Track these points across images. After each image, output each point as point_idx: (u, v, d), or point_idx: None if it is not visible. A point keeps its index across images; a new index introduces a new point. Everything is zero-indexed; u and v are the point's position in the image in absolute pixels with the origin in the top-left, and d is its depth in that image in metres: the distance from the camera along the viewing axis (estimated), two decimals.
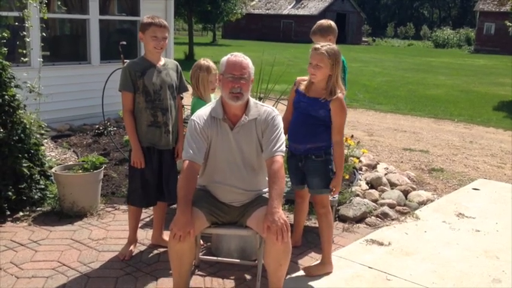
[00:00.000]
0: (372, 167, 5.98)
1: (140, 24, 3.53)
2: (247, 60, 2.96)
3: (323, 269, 3.49)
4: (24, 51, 5.08)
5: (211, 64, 3.84)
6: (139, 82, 3.47)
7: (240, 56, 2.97)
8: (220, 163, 3.03)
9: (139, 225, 4.12)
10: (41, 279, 3.27)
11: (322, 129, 3.40)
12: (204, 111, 3.05)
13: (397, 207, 4.78)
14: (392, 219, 4.55)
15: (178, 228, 2.72)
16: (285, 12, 50.71)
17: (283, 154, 2.98)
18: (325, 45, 3.34)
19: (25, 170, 4.27)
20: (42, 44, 5.82)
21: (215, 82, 3.83)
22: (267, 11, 51.68)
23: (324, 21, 4.36)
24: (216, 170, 3.05)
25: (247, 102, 3.02)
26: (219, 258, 3.59)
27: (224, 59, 2.98)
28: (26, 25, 4.97)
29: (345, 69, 4.41)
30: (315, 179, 3.45)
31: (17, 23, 5.08)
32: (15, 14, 5.10)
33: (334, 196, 4.00)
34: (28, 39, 5.18)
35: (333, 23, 4.35)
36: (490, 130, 9.66)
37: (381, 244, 4.03)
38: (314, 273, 3.46)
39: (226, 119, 3.00)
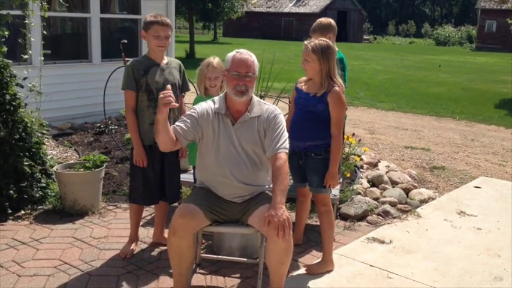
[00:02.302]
0: (373, 165, 5.98)
1: (143, 22, 3.52)
2: (252, 58, 2.99)
3: (324, 267, 3.49)
4: (24, 50, 5.06)
5: (214, 60, 3.76)
6: (143, 80, 3.47)
7: (246, 53, 2.99)
8: (222, 157, 3.03)
9: (141, 223, 4.12)
10: (43, 278, 3.27)
11: (321, 125, 3.40)
12: (207, 105, 3.08)
13: (399, 206, 4.78)
14: (394, 218, 4.54)
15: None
16: (286, 10, 50.64)
17: (287, 151, 2.98)
18: (314, 41, 3.37)
19: (26, 168, 4.27)
20: (43, 43, 5.81)
21: (214, 80, 3.77)
22: (268, 9, 51.61)
23: (323, 19, 4.36)
24: (217, 163, 3.05)
25: (251, 99, 3.03)
26: (221, 257, 3.59)
27: (230, 55, 3.00)
28: (27, 23, 4.96)
29: (345, 67, 4.41)
30: (314, 177, 3.45)
31: (18, 20, 5.07)
32: (17, 12, 5.09)
33: (335, 194, 4.00)
34: (27, 38, 5.16)
35: (332, 21, 4.35)
36: (491, 128, 9.64)
37: (382, 242, 4.02)
38: (315, 271, 3.46)
39: (228, 114, 3.02)
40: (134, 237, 3.76)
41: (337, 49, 4.45)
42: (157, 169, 3.59)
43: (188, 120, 3.00)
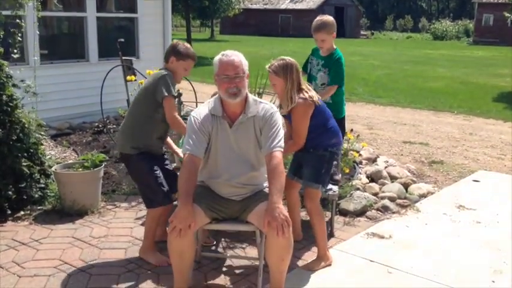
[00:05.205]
0: (372, 161, 5.98)
1: (178, 50, 3.51)
2: (238, 58, 2.96)
3: (321, 263, 3.49)
4: (17, 50, 5.04)
5: None
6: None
7: (231, 54, 2.96)
8: (220, 159, 3.04)
9: (140, 222, 4.13)
10: (43, 278, 3.27)
11: (320, 131, 3.45)
12: (203, 109, 3.06)
13: (398, 200, 4.78)
14: (393, 212, 4.55)
15: (179, 221, 2.73)
16: (283, 6, 50.54)
17: (282, 150, 2.98)
18: (273, 63, 3.36)
19: (25, 169, 4.27)
20: (39, 43, 5.79)
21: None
22: (265, 6, 51.48)
23: (324, 17, 4.32)
24: (216, 165, 3.06)
25: (246, 99, 3.02)
26: (221, 255, 3.59)
27: (216, 59, 2.99)
28: (22, 23, 4.94)
29: (342, 63, 4.40)
30: (306, 170, 3.48)
31: (13, 21, 5.05)
32: (11, 12, 5.07)
33: (335, 190, 4.00)
34: (20, 38, 5.13)
35: (332, 18, 4.35)
36: (489, 121, 9.65)
37: (382, 237, 4.03)
38: (313, 268, 3.46)
39: (225, 116, 3.00)
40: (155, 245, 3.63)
41: (335, 47, 4.45)
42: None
43: (198, 134, 2.96)
